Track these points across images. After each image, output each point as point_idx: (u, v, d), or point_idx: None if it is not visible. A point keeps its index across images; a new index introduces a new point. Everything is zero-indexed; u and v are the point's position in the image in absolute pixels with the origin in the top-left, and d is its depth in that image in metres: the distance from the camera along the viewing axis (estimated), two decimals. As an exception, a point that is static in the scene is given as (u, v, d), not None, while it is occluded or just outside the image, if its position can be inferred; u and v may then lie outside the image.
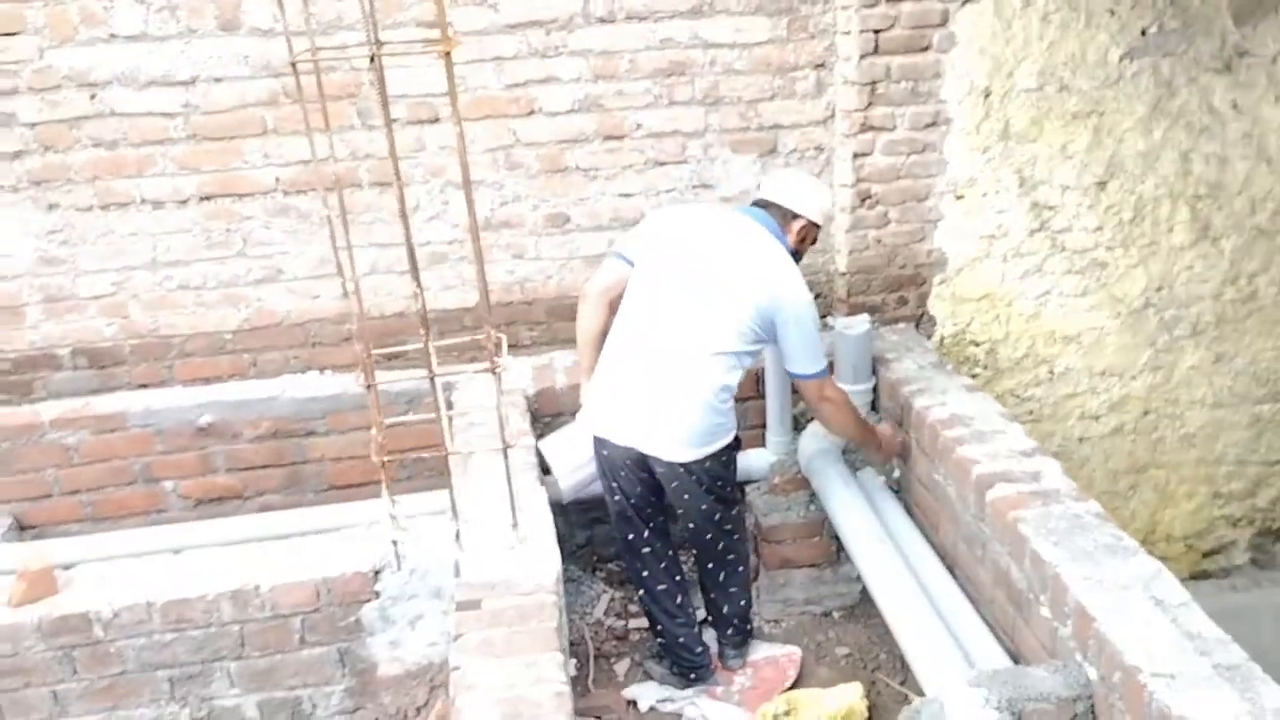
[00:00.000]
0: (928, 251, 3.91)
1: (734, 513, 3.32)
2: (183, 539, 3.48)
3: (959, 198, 3.84)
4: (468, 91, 3.59)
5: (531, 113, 3.68)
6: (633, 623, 3.74)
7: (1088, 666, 2.40)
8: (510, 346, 3.71)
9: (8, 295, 3.65)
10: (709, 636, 3.48)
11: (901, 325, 3.98)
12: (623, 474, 3.20)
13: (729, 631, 3.44)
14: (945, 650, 2.77)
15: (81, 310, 3.70)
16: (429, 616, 2.76)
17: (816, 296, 4.01)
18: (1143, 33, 3.73)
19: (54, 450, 3.67)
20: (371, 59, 2.19)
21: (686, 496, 3.18)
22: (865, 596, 3.67)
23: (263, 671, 2.79)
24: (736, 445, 3.25)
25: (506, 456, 2.60)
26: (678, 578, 3.36)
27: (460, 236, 3.78)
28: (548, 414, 3.75)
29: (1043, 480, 2.88)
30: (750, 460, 3.65)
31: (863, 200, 3.81)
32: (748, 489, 3.72)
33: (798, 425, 3.75)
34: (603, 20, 3.60)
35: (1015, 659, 2.76)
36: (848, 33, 3.62)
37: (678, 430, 3.05)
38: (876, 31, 3.59)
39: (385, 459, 2.60)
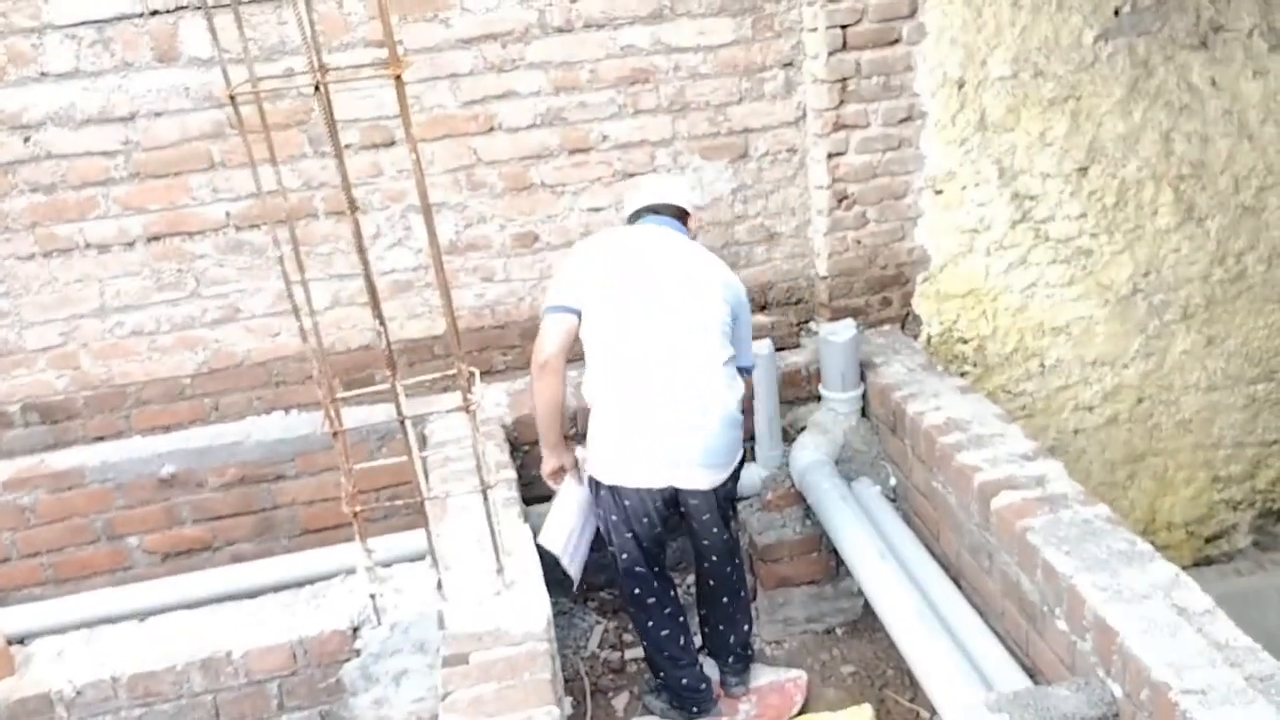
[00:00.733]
0: (909, 250, 3.80)
1: (738, 535, 3.23)
2: (149, 599, 3.31)
3: (938, 192, 3.72)
4: (423, 111, 3.44)
5: (491, 130, 3.53)
6: (629, 653, 3.60)
7: (1111, 683, 2.28)
8: (484, 373, 3.58)
9: (-50, 352, 3.46)
10: (709, 666, 3.34)
11: (886, 327, 3.86)
12: (645, 520, 3.03)
13: (731, 660, 3.31)
14: (956, 666, 2.65)
15: (30, 364, 3.51)
16: (414, 672, 2.61)
17: (797, 302, 3.90)
18: (1116, 12, 3.63)
19: (9, 512, 3.48)
20: (316, 87, 2.03)
21: (715, 528, 3.10)
22: (868, 610, 3.54)
23: (241, 741, 2.63)
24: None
25: (487, 499, 2.45)
26: (680, 619, 3.22)
27: (425, 262, 3.62)
28: (527, 442, 3.59)
29: (1048, 485, 2.77)
30: (741, 476, 3.51)
31: (840, 201, 3.69)
32: (740, 506, 3.59)
33: (787, 437, 3.62)
34: (560, 30, 3.45)
35: (1031, 674, 2.64)
36: (814, 29, 3.50)
37: (716, 454, 2.96)
38: (844, 27, 3.46)
39: (358, 509, 2.45)
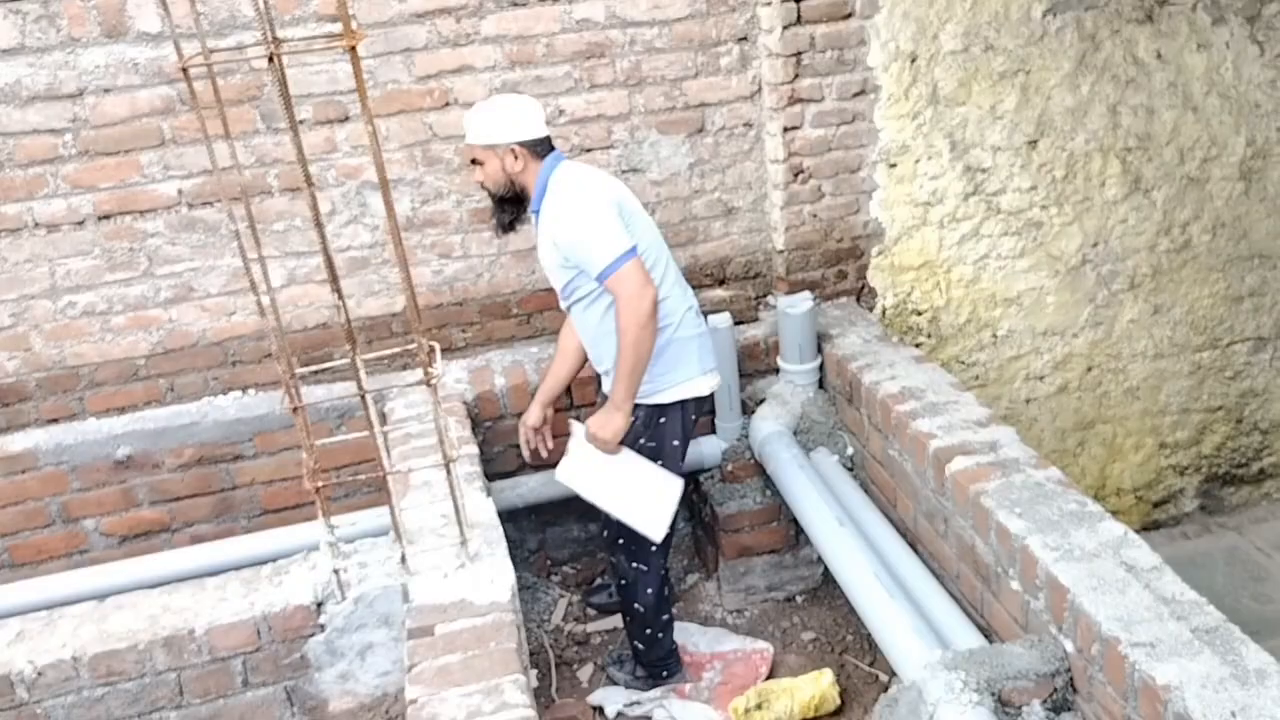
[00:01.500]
0: (864, 223, 3.84)
1: None
2: (108, 580, 3.28)
3: (892, 166, 3.77)
4: (377, 86, 3.41)
5: (447, 104, 3.51)
6: (592, 626, 3.63)
7: (1064, 639, 2.35)
8: (444, 350, 3.58)
9: (-105, 335, 3.39)
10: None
11: (843, 300, 3.91)
12: (688, 439, 3.17)
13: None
14: (914, 629, 2.69)
15: (-21, 346, 3.45)
16: (379, 646, 2.61)
17: (755, 276, 3.94)
18: (1064, -13, 3.69)
19: (-39, 497, 3.43)
20: (270, 59, 2.02)
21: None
22: (827, 578, 3.61)
23: (206, 719, 2.62)
24: None
25: (450, 472, 2.45)
26: (666, 571, 3.30)
27: (381, 239, 3.60)
28: (488, 418, 3.60)
29: (1000, 450, 2.83)
30: (702, 448, 3.55)
31: (795, 175, 3.72)
32: (701, 478, 3.63)
33: (746, 409, 3.66)
34: (515, 4, 3.44)
35: (986, 634, 2.70)
36: (769, 3, 3.51)
37: None
38: (798, 1, 3.49)
39: (319, 484, 2.44)
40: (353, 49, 2.07)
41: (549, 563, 3.91)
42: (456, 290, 3.74)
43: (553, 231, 2.91)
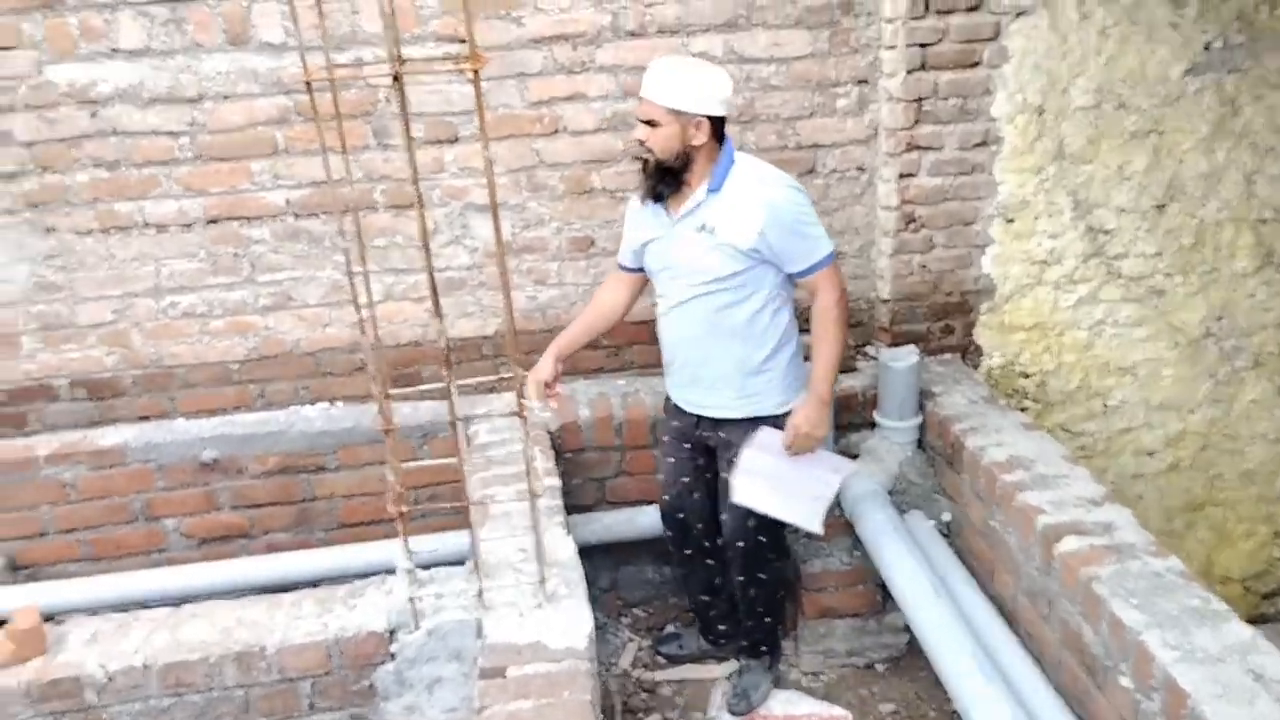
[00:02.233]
0: (975, 278, 3.69)
1: None
2: (184, 582, 3.30)
3: (1009, 221, 3.61)
4: (490, 110, 3.39)
5: (556, 132, 3.47)
6: (661, 674, 3.51)
7: (1179, 748, 2.16)
8: (532, 378, 3.51)
9: (2, 324, 3.45)
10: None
11: (947, 356, 3.75)
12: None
13: None
14: (1008, 715, 2.53)
15: (80, 339, 3.50)
16: (448, 681, 2.53)
17: (856, 324, 3.81)
18: (1206, 47, 3.50)
19: (50, 486, 3.46)
20: (395, 78, 1.98)
21: None
22: (912, 648, 3.44)
23: (268, 739, 2.57)
24: None
25: (535, 507, 2.38)
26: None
27: (479, 262, 3.57)
28: (570, 449, 3.53)
29: (1115, 533, 2.65)
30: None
31: (907, 223, 3.59)
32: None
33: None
34: (633, 34, 3.39)
35: (1088, 730, 2.52)
36: (893, 47, 3.41)
37: None
38: (924, 46, 3.37)
39: (403, 509, 2.39)
40: (475, 72, 2.03)
41: (620, 603, 3.81)
42: (549, 317, 3.69)
43: (759, 218, 2.72)
